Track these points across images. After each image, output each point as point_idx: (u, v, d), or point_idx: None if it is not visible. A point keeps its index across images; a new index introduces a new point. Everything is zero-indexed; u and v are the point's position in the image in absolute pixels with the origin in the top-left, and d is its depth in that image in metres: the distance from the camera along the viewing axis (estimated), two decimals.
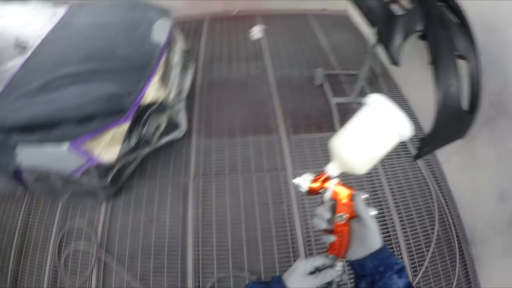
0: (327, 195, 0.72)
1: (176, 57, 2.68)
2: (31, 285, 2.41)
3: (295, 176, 2.41)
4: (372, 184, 2.51)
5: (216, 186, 2.55)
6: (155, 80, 2.21)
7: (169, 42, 2.52)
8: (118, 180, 2.40)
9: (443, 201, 2.49)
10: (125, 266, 2.30)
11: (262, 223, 2.36)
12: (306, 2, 4.05)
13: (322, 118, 2.91)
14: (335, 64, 3.38)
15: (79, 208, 2.63)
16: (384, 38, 1.97)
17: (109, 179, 2.23)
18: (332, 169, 0.73)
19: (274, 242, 2.28)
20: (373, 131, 0.66)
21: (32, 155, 2.06)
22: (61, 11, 2.86)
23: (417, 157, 1.88)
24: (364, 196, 0.70)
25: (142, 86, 2.12)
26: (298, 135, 2.79)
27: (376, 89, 3.09)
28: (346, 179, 2.48)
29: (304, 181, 0.73)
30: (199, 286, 2.16)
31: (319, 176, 0.73)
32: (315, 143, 2.73)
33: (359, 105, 2.46)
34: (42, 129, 2.00)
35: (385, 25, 1.96)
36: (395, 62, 1.92)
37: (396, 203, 2.43)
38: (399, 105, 2.18)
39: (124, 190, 2.62)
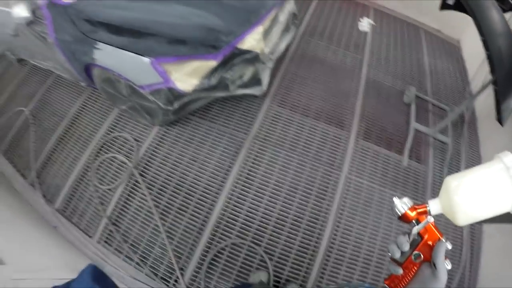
0: (417, 228, 0.69)
1: (283, 16, 2.56)
2: (59, 173, 2.52)
3: (346, 179, 2.34)
4: None
5: (270, 155, 2.49)
6: (259, 30, 2.11)
7: None
8: (181, 111, 2.37)
9: (467, 272, 2.31)
10: (152, 193, 2.32)
11: (297, 210, 2.29)
12: (425, 16, 3.78)
13: (396, 137, 2.74)
14: (429, 89, 3.16)
15: (132, 122, 2.67)
16: (502, 91, 1.80)
17: (174, 106, 2.20)
18: (433, 206, 0.70)
19: (299, 234, 2.22)
20: (494, 190, 0.62)
21: (111, 56, 2.06)
22: None
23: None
24: (449, 247, 0.65)
25: (244, 30, 2.03)
26: (367, 142, 2.66)
27: (457, 133, 2.86)
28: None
29: (403, 204, 0.70)
30: (211, 242, 2.14)
31: (418, 206, 0.71)
32: (378, 158, 2.59)
33: (436, 140, 2.30)
34: (132, 35, 1.97)
35: (509, 78, 1.78)
36: (501, 120, 1.79)
37: None
38: (469, 160, 2.01)
39: (181, 122, 2.61)
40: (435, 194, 2.51)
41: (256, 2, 2.15)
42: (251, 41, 2.06)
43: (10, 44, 3.07)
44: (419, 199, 2.44)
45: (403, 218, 0.70)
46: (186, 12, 1.97)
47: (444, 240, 0.65)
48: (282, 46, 2.69)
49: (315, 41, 3.33)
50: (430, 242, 0.67)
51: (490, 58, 1.83)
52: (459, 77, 3.43)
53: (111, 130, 2.67)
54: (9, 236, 1.74)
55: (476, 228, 2.46)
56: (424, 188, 2.53)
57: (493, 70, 1.84)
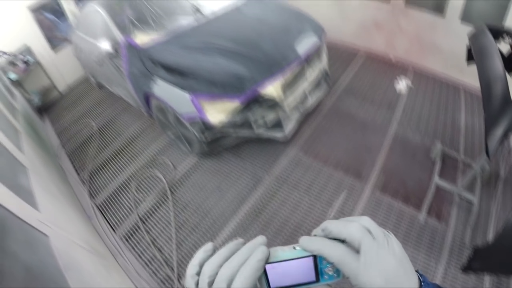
0: None
1: (313, 73, 2.99)
2: (106, 177, 3.16)
3: None
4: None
5: (284, 195, 2.75)
6: (279, 79, 2.55)
7: (309, 56, 2.83)
8: (214, 144, 2.85)
9: None
10: (175, 207, 2.74)
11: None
12: (467, 76, 3.75)
13: (415, 192, 2.76)
14: (462, 148, 3.12)
15: (175, 149, 3.26)
16: (488, 121, 1.77)
17: (207, 137, 2.69)
18: None
19: None
20: None
21: (164, 89, 2.67)
22: None
23: (465, 269, 1.54)
24: None
25: (265, 78, 2.50)
26: (382, 195, 2.77)
27: (489, 193, 2.73)
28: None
29: None
30: None
31: None
32: (391, 212, 2.64)
33: (462, 200, 2.17)
34: (180, 75, 2.57)
35: (497, 107, 1.75)
36: (487, 152, 1.74)
37: None
38: (500, 223, 1.83)
39: (215, 156, 3.12)
40: (452, 254, 2.40)
41: (279, 56, 2.62)
42: (271, 88, 2.52)
43: (94, 70, 3.92)
44: (433, 258, 2.37)
45: None
46: (221, 62, 2.55)
47: None
48: (313, 100, 3.13)
49: (350, 99, 3.66)
50: None
51: (481, 86, 1.87)
52: None
53: (157, 152, 3.27)
54: (52, 202, 2.17)
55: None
56: (440, 248, 2.44)
57: (484, 100, 1.87)
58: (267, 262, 0.43)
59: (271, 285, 0.45)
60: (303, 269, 0.45)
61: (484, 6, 3.42)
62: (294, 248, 0.46)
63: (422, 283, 0.42)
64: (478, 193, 2.65)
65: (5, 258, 1.08)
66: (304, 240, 0.46)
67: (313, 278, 0.45)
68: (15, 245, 1.21)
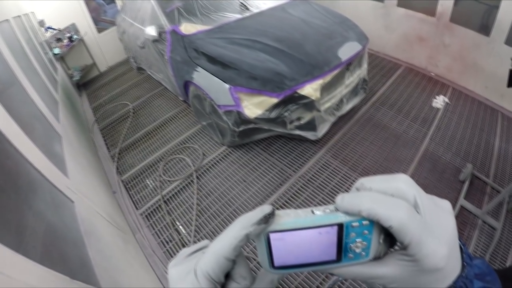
0: None
1: (352, 79, 3.03)
2: (136, 157, 3.34)
3: None
4: None
5: (307, 196, 2.80)
6: (318, 82, 2.61)
7: (349, 62, 2.86)
8: (245, 136, 2.95)
9: None
10: (199, 193, 2.86)
11: None
12: (507, 101, 3.68)
13: None
14: (492, 172, 3.06)
15: (207, 138, 3.39)
16: None
17: (240, 128, 2.78)
18: None
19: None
20: None
21: (204, 78, 2.79)
22: None
23: None
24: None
25: (305, 80, 2.56)
26: None
27: None
28: None
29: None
30: None
31: None
32: None
33: (485, 224, 2.19)
34: (221, 66, 2.67)
35: None
36: None
37: None
38: None
39: (245, 148, 3.22)
40: None
41: (321, 60, 2.67)
42: (309, 89, 2.57)
43: (136, 53, 4.15)
44: None
45: None
46: (263, 57, 2.64)
47: None
48: (348, 106, 3.18)
49: (384, 109, 3.68)
50: None
51: None
52: None
53: (188, 138, 3.41)
54: (80, 172, 2.30)
55: None
56: None
57: None
58: (273, 230, 0.34)
59: (275, 263, 0.36)
60: (321, 243, 0.35)
61: None
62: (312, 212, 0.35)
63: (464, 254, 0.34)
64: (502, 220, 2.63)
65: (31, 214, 1.18)
66: (344, 197, 0.34)
67: (332, 256, 0.35)
68: (42, 205, 1.33)
